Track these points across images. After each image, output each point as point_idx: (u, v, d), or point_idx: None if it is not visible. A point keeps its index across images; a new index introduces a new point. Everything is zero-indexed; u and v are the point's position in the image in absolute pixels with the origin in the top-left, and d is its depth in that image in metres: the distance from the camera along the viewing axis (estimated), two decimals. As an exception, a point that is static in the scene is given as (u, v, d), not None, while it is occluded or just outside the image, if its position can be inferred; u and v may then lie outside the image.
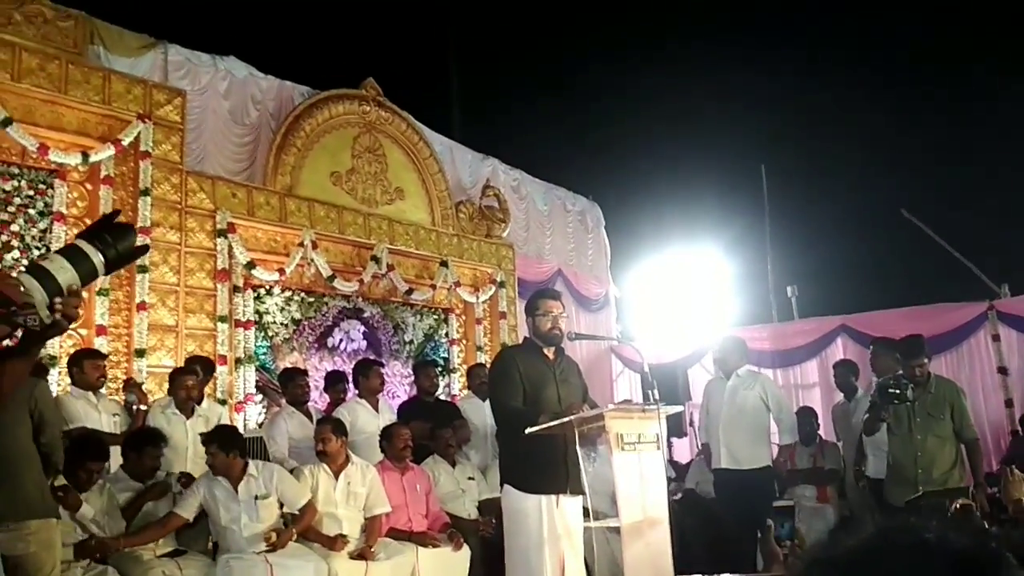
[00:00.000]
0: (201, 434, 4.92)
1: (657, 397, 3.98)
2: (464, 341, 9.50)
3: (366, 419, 6.05)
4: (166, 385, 5.65)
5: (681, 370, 10.76)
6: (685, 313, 12.47)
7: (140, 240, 6.44)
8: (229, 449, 4.70)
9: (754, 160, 13.50)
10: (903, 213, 11.24)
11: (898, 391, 4.79)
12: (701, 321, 12.10)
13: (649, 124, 13.85)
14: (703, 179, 14.00)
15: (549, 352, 4.13)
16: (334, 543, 4.88)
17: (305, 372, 6.57)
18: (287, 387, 6.24)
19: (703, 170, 14.10)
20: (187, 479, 4.88)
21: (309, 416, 6.01)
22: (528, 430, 3.73)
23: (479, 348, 9.23)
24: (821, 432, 7.36)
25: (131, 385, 5.72)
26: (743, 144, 13.75)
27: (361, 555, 4.93)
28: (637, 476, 3.77)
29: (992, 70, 12.53)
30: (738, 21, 13.86)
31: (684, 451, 10.40)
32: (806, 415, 7.24)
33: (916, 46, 12.87)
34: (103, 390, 5.40)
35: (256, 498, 4.72)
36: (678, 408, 4.20)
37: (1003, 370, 9.14)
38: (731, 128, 13.73)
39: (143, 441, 4.76)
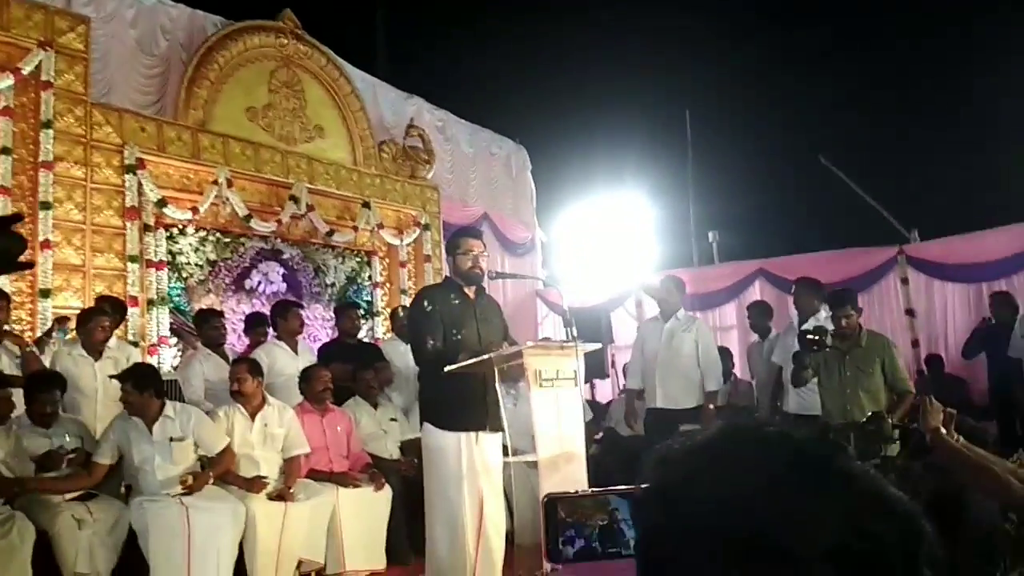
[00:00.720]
0: (117, 374, 4.81)
1: (575, 335, 4.05)
2: (388, 284, 9.44)
3: (285, 361, 6.00)
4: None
5: (604, 313, 10.91)
6: (609, 257, 12.62)
7: (43, 175, 6.18)
8: (144, 388, 4.61)
9: (679, 105, 13.63)
10: (821, 160, 11.54)
11: (817, 338, 4.90)
12: (624, 265, 12.28)
13: (576, 67, 13.84)
14: (629, 123, 14.10)
15: (469, 291, 4.15)
16: (252, 485, 4.86)
17: (221, 313, 6.46)
18: (202, 329, 6.13)
19: (629, 114, 14.19)
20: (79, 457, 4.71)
21: (226, 358, 5.93)
22: (447, 368, 3.77)
23: (403, 291, 9.19)
24: (736, 371, 7.61)
25: (60, 321, 5.59)
26: (668, 88, 13.85)
27: (280, 496, 4.93)
28: (554, 412, 3.84)
29: (906, 22, 12.84)
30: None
31: (606, 391, 10.62)
32: (721, 355, 7.47)
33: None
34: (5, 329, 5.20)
35: (171, 440, 4.66)
36: (596, 346, 4.28)
37: (911, 312, 9.55)
38: (657, 72, 13.80)
39: (37, 385, 4.62)
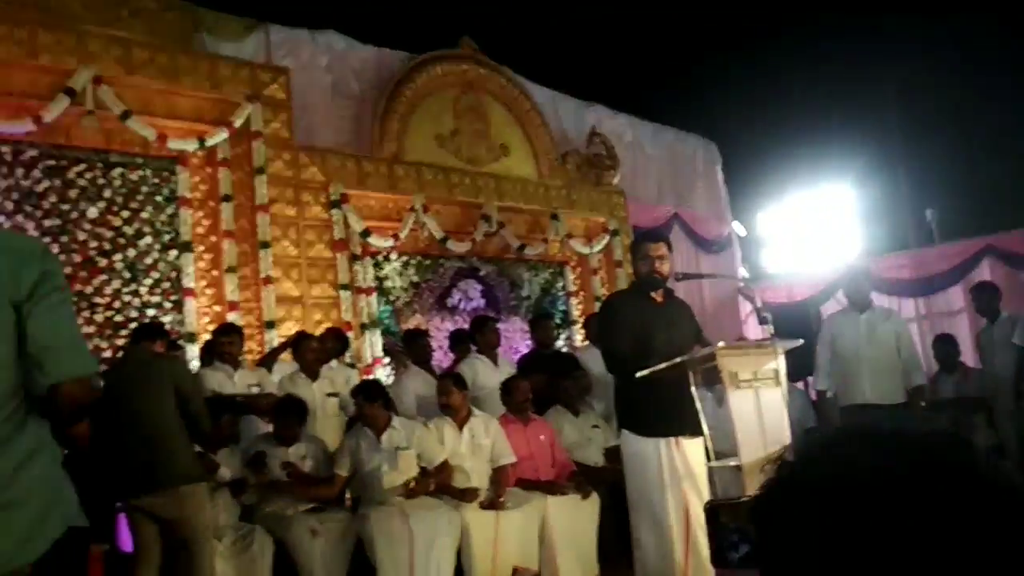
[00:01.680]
0: (352, 388, 5.40)
1: (772, 331, 3.94)
2: (581, 293, 9.56)
3: (486, 374, 6.23)
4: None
5: (814, 307, 10.44)
6: (815, 248, 12.07)
7: (261, 217, 6.82)
8: (374, 399, 5.04)
9: (882, 79, 12.80)
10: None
11: None
12: (832, 255, 11.70)
13: (764, 54, 13.31)
14: (829, 106, 13.39)
15: (657, 295, 4.15)
16: (465, 495, 5.10)
17: (426, 332, 6.83)
18: (411, 348, 6.51)
19: (828, 95, 13.47)
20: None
21: (433, 374, 6.26)
22: (638, 374, 3.79)
23: (597, 299, 9.26)
24: (963, 359, 7.05)
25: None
26: (869, 63, 13.03)
27: (491, 505, 5.13)
28: (755, 413, 3.76)
29: None
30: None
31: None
32: (944, 342, 6.97)
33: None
34: (242, 361, 5.78)
35: (397, 449, 5.01)
36: (796, 342, 4.13)
37: None
38: (857, 47, 13.02)
39: (286, 412, 5.12)
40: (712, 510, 1.34)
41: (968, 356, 7.47)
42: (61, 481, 1.83)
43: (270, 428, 5.52)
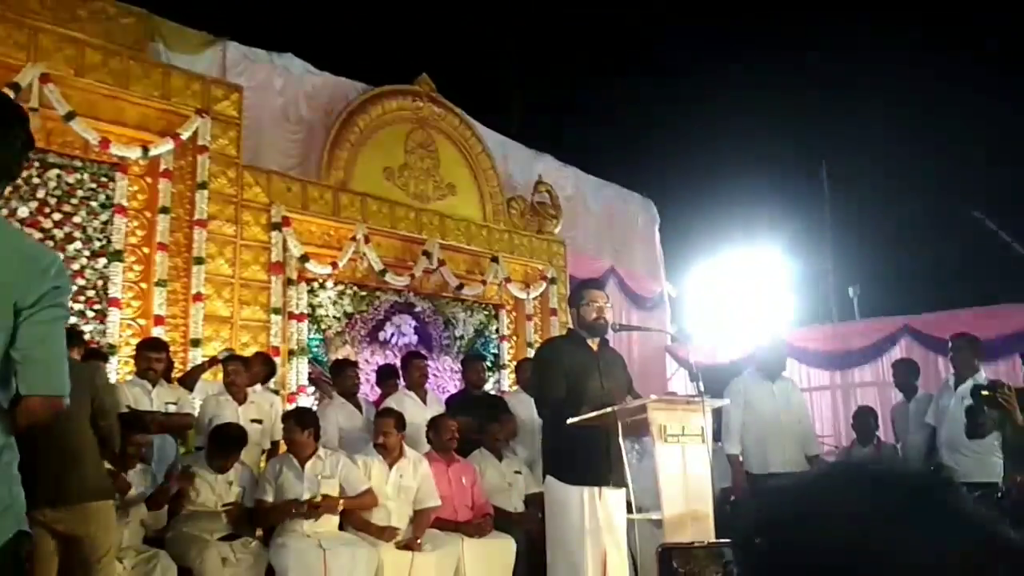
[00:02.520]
0: (284, 412, 5.33)
1: (702, 389, 3.98)
2: (514, 337, 9.57)
3: (413, 411, 6.14)
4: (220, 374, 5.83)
5: (737, 371, 10.64)
6: (743, 313, 12.34)
7: (198, 232, 6.66)
8: (306, 426, 4.92)
9: (815, 155, 13.29)
10: (974, 214, 10.93)
11: (994, 393, 4.71)
12: (759, 322, 11.96)
13: (707, 121, 13.74)
14: (763, 176, 13.85)
15: (593, 343, 4.17)
16: (383, 533, 5.00)
17: (356, 364, 6.71)
18: (338, 378, 6.39)
19: (762, 166, 13.95)
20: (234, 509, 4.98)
21: (359, 407, 6.16)
22: (569, 420, 3.78)
23: (529, 344, 9.28)
24: (879, 433, 7.24)
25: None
26: (804, 139, 13.54)
27: (408, 546, 5.03)
28: (680, 468, 3.78)
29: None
30: (800, 13, 13.63)
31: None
32: (865, 414, 7.14)
33: (985, 38, 12.52)
34: (161, 380, 5.57)
35: (320, 477, 4.89)
36: (724, 402, 4.18)
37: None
38: (791, 123, 13.53)
39: (228, 443, 4.96)
40: (664, 553, 1.33)
41: (884, 431, 7.67)
42: (17, 484, 1.81)
43: (183, 449, 5.35)
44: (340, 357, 7.51)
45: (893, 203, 13.01)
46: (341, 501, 4.94)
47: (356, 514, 5.07)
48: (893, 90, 12.82)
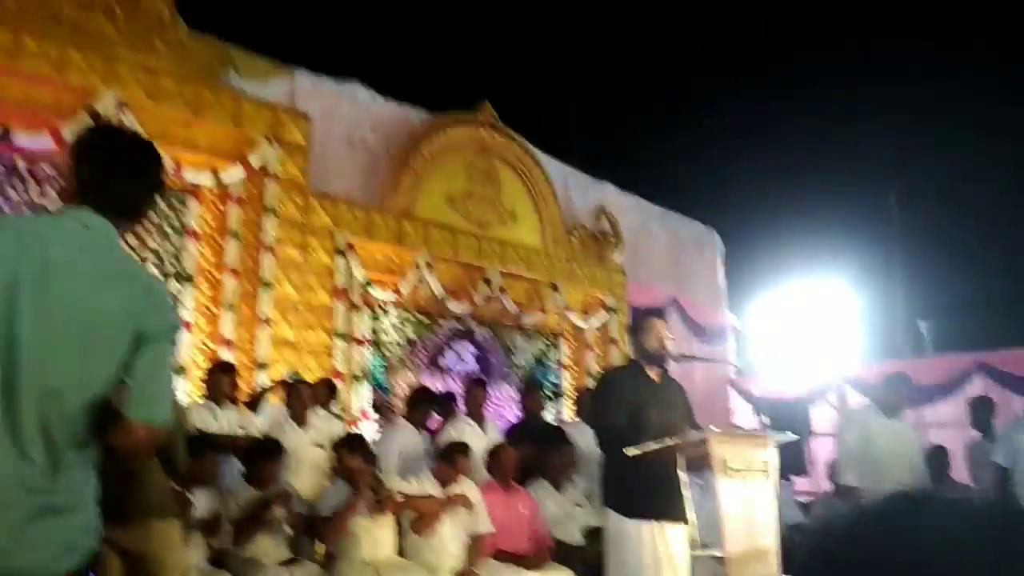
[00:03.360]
0: (336, 440, 5.27)
1: (767, 423, 3.90)
2: (574, 366, 9.51)
3: (472, 438, 6.10)
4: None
5: (804, 405, 10.42)
6: (809, 347, 12.09)
7: (266, 256, 6.79)
8: (356, 451, 4.95)
9: (883, 186, 13.01)
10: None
11: None
12: (826, 356, 11.71)
13: (773, 150, 13.58)
14: (829, 206, 13.61)
15: (654, 373, 4.11)
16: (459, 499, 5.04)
17: (436, 399, 6.58)
18: (416, 408, 6.31)
19: (829, 196, 13.71)
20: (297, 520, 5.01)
21: (427, 430, 6.18)
22: (629, 452, 3.72)
23: (589, 374, 9.21)
24: (951, 473, 6.98)
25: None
26: (872, 169, 13.28)
27: (464, 575, 4.99)
28: (743, 504, 3.69)
29: None
30: (866, 41, 13.42)
31: (803, 489, 10.01)
32: (937, 454, 6.88)
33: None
34: (229, 402, 5.65)
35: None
36: (790, 437, 4.08)
37: None
38: (859, 152, 13.29)
39: (263, 454, 4.97)
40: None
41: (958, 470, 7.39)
42: (96, 497, 1.85)
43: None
44: (403, 383, 7.63)
45: (966, 233, 12.65)
46: (400, 497, 4.92)
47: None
48: (966, 114, 12.48)
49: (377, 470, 5.50)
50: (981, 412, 6.60)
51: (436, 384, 8.09)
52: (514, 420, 7.70)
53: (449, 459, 5.27)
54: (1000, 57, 12.53)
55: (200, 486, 4.59)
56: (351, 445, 5.08)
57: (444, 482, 5.24)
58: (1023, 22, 12.43)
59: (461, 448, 5.36)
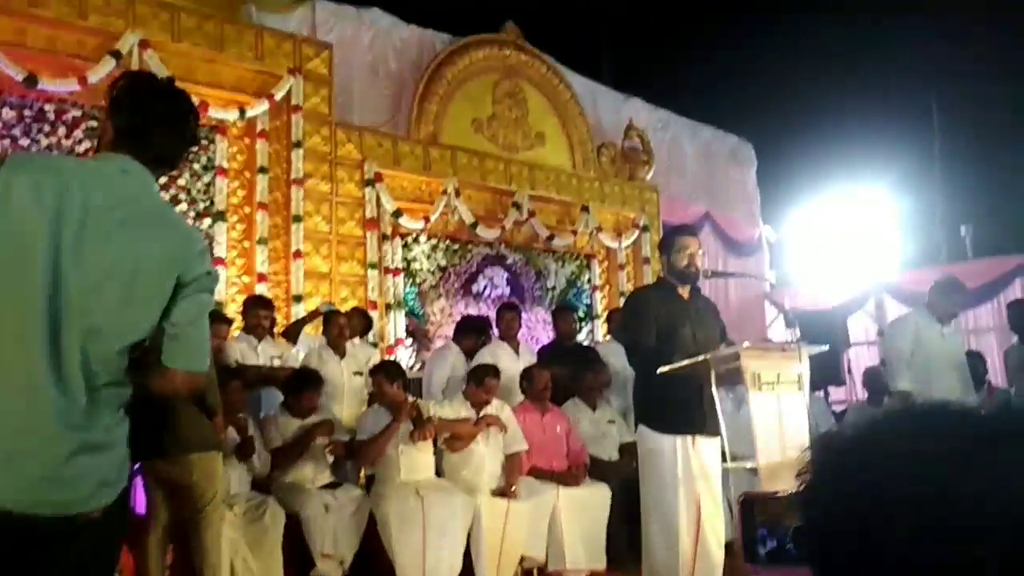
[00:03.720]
0: (372, 367, 5.36)
1: (798, 335, 3.88)
2: (607, 287, 9.52)
3: (506, 362, 6.17)
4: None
5: (840, 316, 10.33)
6: (847, 257, 11.92)
7: (295, 190, 6.82)
8: (395, 378, 5.02)
9: (924, 89, 12.58)
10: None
11: None
12: (863, 265, 11.55)
13: (807, 56, 13.11)
14: (867, 110, 13.20)
15: (684, 291, 4.08)
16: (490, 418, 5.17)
17: (480, 326, 6.68)
18: (464, 334, 6.37)
19: (867, 100, 13.28)
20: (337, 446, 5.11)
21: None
22: (660, 370, 3.73)
23: (622, 294, 9.20)
24: (990, 377, 6.93)
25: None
26: (911, 72, 12.81)
27: (503, 493, 5.11)
28: (775, 416, 3.70)
29: None
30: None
31: (840, 398, 10.04)
32: (973, 359, 6.81)
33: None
34: (267, 335, 5.76)
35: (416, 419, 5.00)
36: (821, 348, 4.05)
37: None
38: (898, 56, 12.81)
39: (302, 383, 5.07)
40: (746, 503, 1.31)
41: (996, 375, 7.34)
42: (129, 435, 1.91)
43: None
44: (436, 310, 7.72)
45: (1007, 136, 12.23)
46: (435, 421, 5.03)
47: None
48: (1006, 20, 11.94)
49: (418, 396, 5.63)
50: (1020, 316, 6.50)
51: (469, 310, 8.17)
52: (547, 343, 7.76)
53: (479, 381, 5.33)
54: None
55: (229, 416, 4.68)
56: (388, 371, 5.16)
57: (476, 404, 5.32)
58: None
59: (489, 370, 5.41)
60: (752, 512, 1.29)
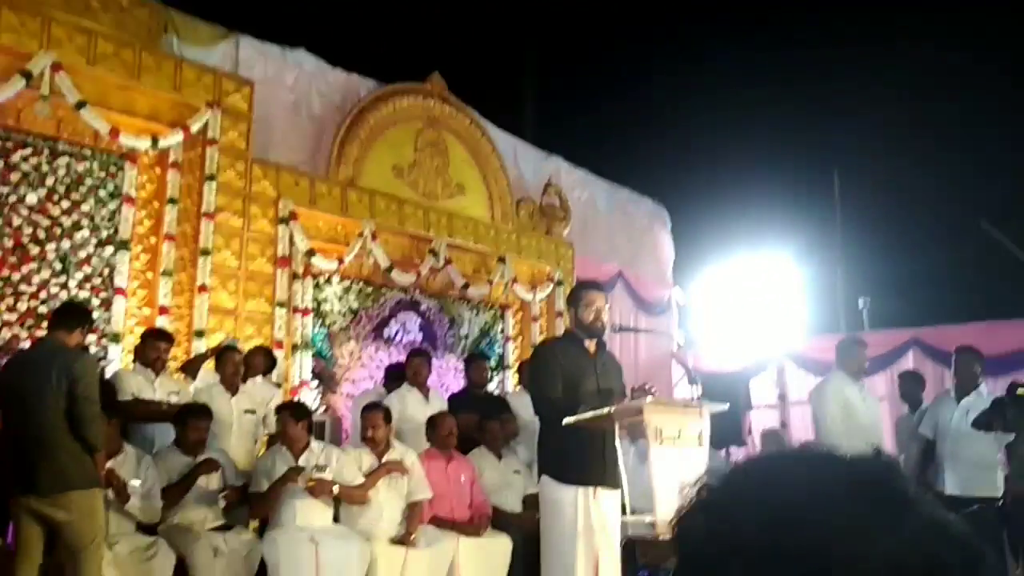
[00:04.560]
0: (279, 404, 5.36)
1: (701, 393, 3.95)
2: (520, 338, 9.54)
3: (415, 408, 6.13)
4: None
5: (744, 378, 10.59)
6: (751, 321, 12.28)
7: (205, 223, 6.66)
8: (300, 418, 4.90)
9: (827, 164, 13.22)
10: (982, 225, 10.86)
11: None
12: (767, 330, 11.90)
13: (719, 126, 13.69)
14: (773, 182, 13.79)
15: (590, 345, 4.14)
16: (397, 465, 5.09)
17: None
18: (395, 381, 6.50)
19: (774, 173, 13.88)
20: (232, 494, 4.96)
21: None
22: (565, 420, 3.75)
23: (534, 346, 9.24)
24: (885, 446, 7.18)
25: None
26: (815, 147, 13.48)
27: (401, 541, 5.01)
28: (676, 472, 3.74)
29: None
30: (810, 19, 13.56)
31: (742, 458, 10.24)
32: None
33: (1003, 44, 12.41)
34: (165, 370, 5.56)
35: (316, 468, 4.87)
36: (723, 406, 4.14)
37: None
38: (803, 130, 13.47)
39: (186, 415, 4.92)
40: (629, 545, 1.31)
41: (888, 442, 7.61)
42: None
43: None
44: (345, 353, 7.61)
45: (904, 213, 12.93)
46: (336, 485, 4.91)
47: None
48: (907, 99, 12.72)
49: (320, 438, 5.51)
50: (910, 386, 6.79)
51: (380, 354, 8.07)
52: (458, 391, 7.71)
53: (363, 419, 5.28)
54: (948, 42, 12.75)
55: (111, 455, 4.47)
56: (295, 411, 5.04)
57: (377, 449, 5.23)
58: (955, 14, 12.64)
59: (375, 410, 5.35)
60: (635, 554, 1.29)
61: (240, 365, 5.62)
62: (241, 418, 5.46)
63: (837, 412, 5.45)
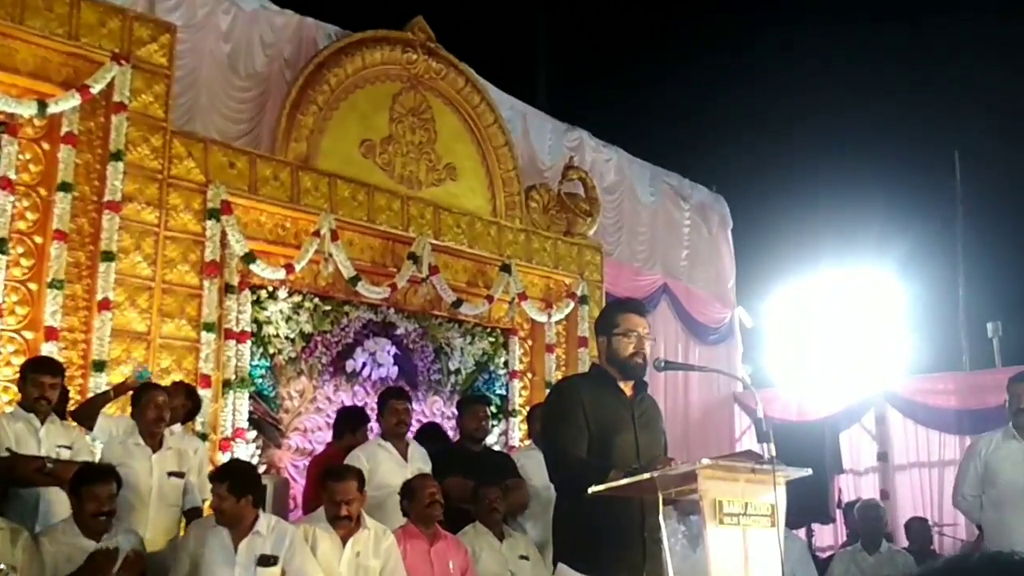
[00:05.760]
0: (211, 472, 5.18)
1: (774, 453, 3.91)
2: (530, 375, 9.52)
3: (390, 468, 6.07)
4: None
5: (830, 430, 10.55)
6: (840, 354, 12.26)
7: (108, 218, 6.67)
8: (243, 493, 4.80)
9: (944, 145, 13.19)
10: None
11: None
12: (862, 366, 11.88)
13: (795, 98, 13.66)
14: (873, 172, 13.76)
15: (626, 387, 4.10)
16: None
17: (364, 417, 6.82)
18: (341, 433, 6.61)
19: (873, 159, 13.86)
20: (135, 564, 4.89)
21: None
22: (592, 489, 3.71)
23: (548, 385, 9.21)
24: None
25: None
26: (931, 123, 13.46)
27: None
28: (740, 560, 3.70)
29: None
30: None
31: (826, 540, 10.20)
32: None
33: None
34: (53, 414, 5.52)
35: (259, 560, 4.80)
36: (805, 472, 4.10)
37: None
38: (914, 101, 13.45)
39: (85, 480, 4.82)
40: None
41: None
42: None
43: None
44: (293, 391, 7.62)
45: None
46: None
47: None
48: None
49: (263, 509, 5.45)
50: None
51: (341, 394, 8.05)
52: (447, 445, 7.68)
53: (337, 495, 5.18)
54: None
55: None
56: (236, 482, 4.89)
57: (342, 529, 5.18)
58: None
59: (347, 477, 5.26)
60: None
61: (165, 409, 5.57)
62: (163, 483, 5.40)
63: (972, 466, 5.72)
